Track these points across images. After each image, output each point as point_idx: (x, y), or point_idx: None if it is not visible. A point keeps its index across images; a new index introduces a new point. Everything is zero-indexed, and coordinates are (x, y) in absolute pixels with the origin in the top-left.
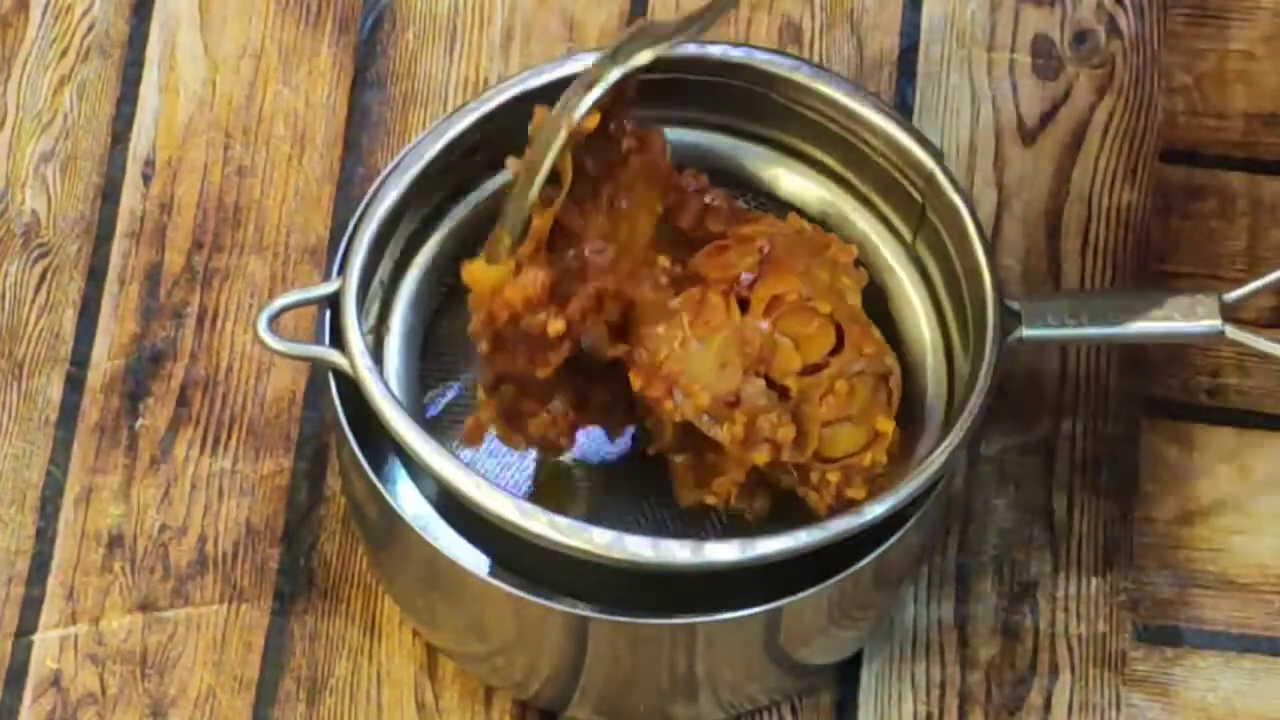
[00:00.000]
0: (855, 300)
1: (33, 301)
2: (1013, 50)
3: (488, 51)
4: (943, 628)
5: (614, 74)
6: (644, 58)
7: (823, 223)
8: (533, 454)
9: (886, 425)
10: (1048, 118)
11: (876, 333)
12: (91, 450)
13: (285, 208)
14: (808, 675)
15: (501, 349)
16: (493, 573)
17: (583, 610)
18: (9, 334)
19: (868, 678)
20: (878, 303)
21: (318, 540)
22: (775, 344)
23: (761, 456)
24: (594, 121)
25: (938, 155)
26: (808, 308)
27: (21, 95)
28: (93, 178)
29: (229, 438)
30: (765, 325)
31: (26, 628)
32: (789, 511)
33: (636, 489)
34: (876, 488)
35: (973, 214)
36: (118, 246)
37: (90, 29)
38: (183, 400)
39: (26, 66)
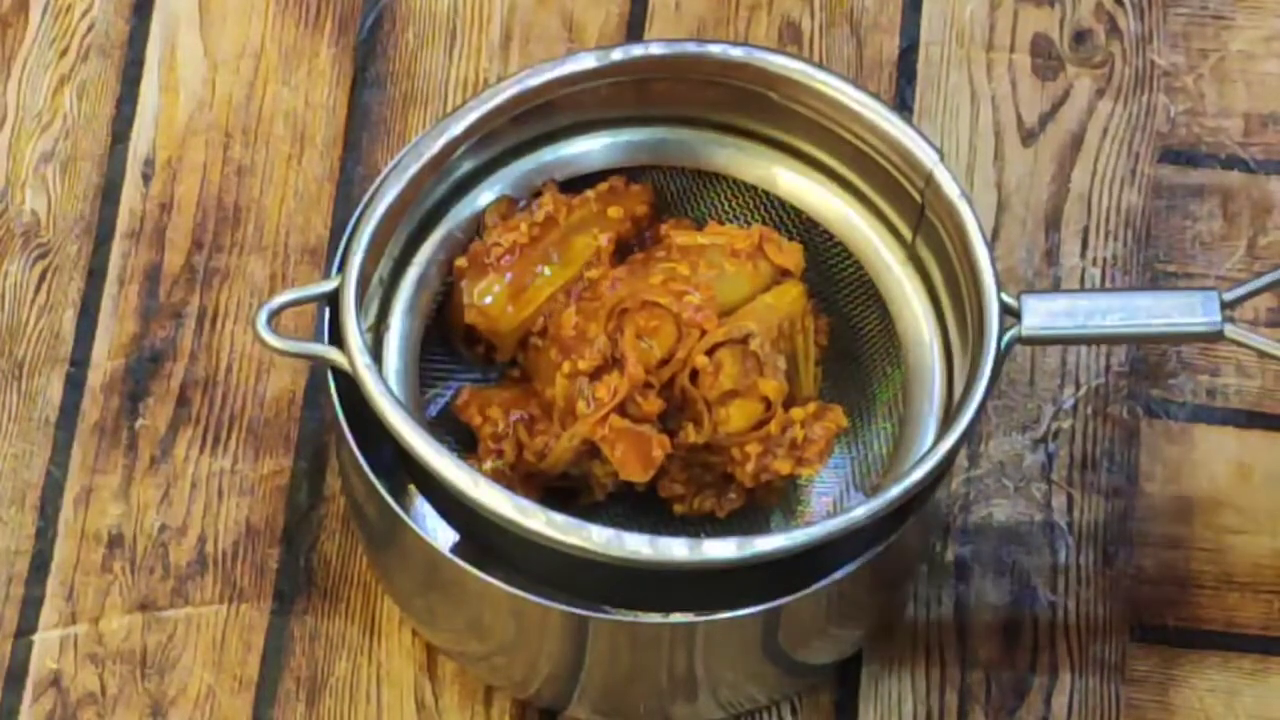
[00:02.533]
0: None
1: (33, 301)
2: (1012, 50)
3: (487, 51)
4: (943, 628)
5: None
6: None
7: (823, 223)
8: None
9: (769, 387)
10: (1048, 118)
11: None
12: (91, 450)
13: (285, 207)
14: (808, 675)
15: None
16: (489, 571)
17: (582, 610)
18: (9, 334)
19: (868, 678)
20: (877, 303)
21: (318, 540)
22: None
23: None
24: None
25: (938, 155)
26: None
27: (21, 95)
28: (93, 178)
29: (229, 438)
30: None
31: (26, 628)
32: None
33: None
34: (807, 457)
35: (973, 214)
36: (118, 246)
37: (90, 29)
38: (183, 400)
39: (26, 66)
